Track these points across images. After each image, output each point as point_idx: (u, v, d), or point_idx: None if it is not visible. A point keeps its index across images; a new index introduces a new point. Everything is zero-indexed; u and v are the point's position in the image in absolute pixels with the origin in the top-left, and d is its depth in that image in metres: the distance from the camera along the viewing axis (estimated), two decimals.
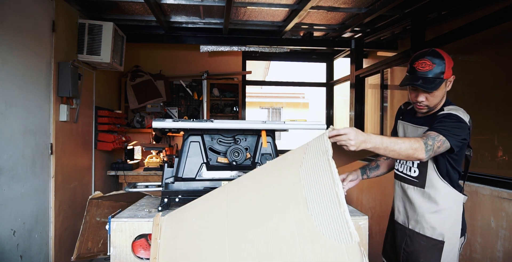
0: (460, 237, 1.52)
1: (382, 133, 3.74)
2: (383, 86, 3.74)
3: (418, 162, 1.54)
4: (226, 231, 1.11)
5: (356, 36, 3.82)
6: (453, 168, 1.51)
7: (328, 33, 3.79)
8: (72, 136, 2.86)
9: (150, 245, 1.58)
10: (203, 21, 3.43)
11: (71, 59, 2.75)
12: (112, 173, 3.79)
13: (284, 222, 1.02)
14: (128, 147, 4.17)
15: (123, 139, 3.89)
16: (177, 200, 1.65)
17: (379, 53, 4.18)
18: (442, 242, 1.48)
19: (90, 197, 1.88)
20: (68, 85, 2.59)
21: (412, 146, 1.29)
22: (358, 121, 4.06)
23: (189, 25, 3.57)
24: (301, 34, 3.83)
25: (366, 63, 4.27)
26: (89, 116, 3.26)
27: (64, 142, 2.69)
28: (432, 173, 1.51)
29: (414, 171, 1.57)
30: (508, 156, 2.40)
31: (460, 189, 1.54)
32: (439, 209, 1.49)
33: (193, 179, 1.66)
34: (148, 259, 1.52)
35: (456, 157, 1.49)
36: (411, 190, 1.57)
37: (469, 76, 2.82)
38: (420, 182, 1.54)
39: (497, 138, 2.54)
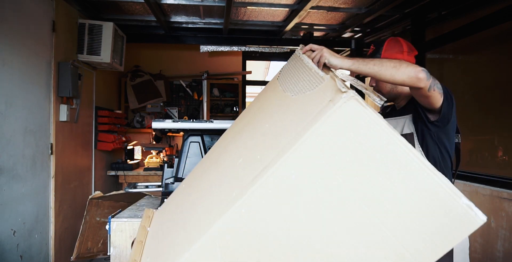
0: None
1: None
2: None
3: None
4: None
5: (356, 36, 3.82)
6: (444, 158, 1.37)
7: (328, 33, 3.79)
8: (72, 136, 2.86)
9: None
10: (203, 21, 3.43)
11: (71, 59, 2.75)
12: (112, 173, 3.79)
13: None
14: (128, 147, 4.17)
15: (123, 139, 3.89)
16: None
17: None
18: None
19: (90, 197, 1.89)
20: (68, 85, 2.59)
21: (406, 64, 1.12)
22: None
23: (189, 25, 3.57)
24: (301, 34, 3.83)
25: None
26: (89, 116, 3.26)
27: (64, 142, 2.69)
28: None
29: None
30: (508, 156, 2.40)
31: (452, 182, 1.37)
32: None
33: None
34: None
35: (448, 141, 1.35)
36: None
37: (469, 76, 2.82)
38: None
39: (497, 138, 2.54)
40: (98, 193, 1.91)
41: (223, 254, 0.70)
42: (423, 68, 1.13)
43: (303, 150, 0.66)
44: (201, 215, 0.83)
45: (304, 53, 1.16)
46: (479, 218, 0.63)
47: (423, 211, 0.63)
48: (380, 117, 0.64)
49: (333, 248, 0.67)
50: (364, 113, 0.62)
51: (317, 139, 0.65)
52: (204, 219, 0.78)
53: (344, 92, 0.63)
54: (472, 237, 2.11)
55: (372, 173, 0.63)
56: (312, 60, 1.13)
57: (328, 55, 1.11)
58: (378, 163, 0.62)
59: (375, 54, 1.42)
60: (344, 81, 0.68)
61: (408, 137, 1.34)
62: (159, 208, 1.33)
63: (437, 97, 1.20)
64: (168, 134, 4.39)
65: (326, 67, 1.15)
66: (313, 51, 1.14)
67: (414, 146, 1.31)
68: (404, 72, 1.11)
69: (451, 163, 1.39)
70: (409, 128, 1.35)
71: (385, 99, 1.11)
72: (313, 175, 0.66)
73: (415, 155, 0.61)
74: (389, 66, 1.12)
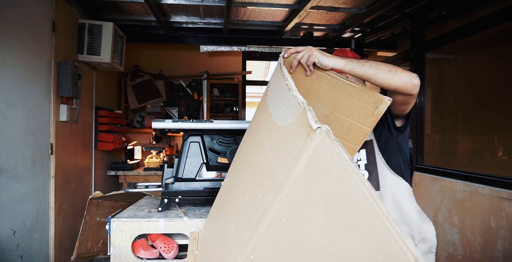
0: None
1: None
2: None
3: (365, 162, 1.32)
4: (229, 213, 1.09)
5: (356, 36, 3.82)
6: (404, 164, 1.34)
7: (328, 33, 3.79)
8: (72, 136, 2.86)
9: (150, 245, 1.58)
10: (203, 21, 3.43)
11: (71, 59, 2.76)
12: (112, 173, 3.79)
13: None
14: (128, 147, 4.17)
15: (123, 139, 3.89)
16: (177, 200, 1.65)
17: (379, 53, 4.17)
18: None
19: (90, 197, 1.89)
20: (68, 85, 2.59)
21: (401, 69, 1.09)
22: None
23: (189, 25, 3.57)
24: (301, 34, 3.83)
25: None
26: (89, 116, 3.26)
27: (64, 142, 2.69)
28: (383, 169, 1.30)
29: (363, 175, 1.40)
30: (508, 156, 2.40)
31: (411, 185, 1.36)
32: (403, 209, 1.30)
33: (193, 179, 1.66)
34: (148, 259, 1.52)
35: (406, 147, 1.33)
36: None
37: (469, 76, 2.82)
38: (373, 184, 1.31)
39: (497, 138, 2.54)
40: (98, 193, 1.90)
41: None
42: (416, 74, 1.10)
43: (289, 195, 0.64)
44: (223, 253, 0.87)
45: (288, 56, 1.11)
46: None
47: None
48: (347, 154, 0.56)
49: None
50: (334, 151, 0.56)
51: (298, 181, 0.63)
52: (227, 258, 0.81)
53: (318, 128, 0.58)
54: (472, 237, 2.11)
55: (333, 218, 0.56)
56: (300, 61, 1.09)
57: (319, 54, 1.07)
58: (339, 206, 0.55)
59: None
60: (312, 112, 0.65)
61: (368, 144, 1.31)
62: (201, 230, 1.35)
63: (413, 103, 1.20)
64: (168, 134, 4.39)
65: (316, 67, 1.11)
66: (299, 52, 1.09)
67: (374, 153, 1.30)
68: (400, 77, 1.08)
69: (410, 169, 1.37)
70: (369, 135, 1.29)
71: (391, 99, 1.08)
72: (294, 217, 0.63)
73: (377, 203, 0.49)
74: (385, 70, 1.09)
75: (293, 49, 1.11)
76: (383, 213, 0.45)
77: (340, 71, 1.14)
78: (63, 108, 2.62)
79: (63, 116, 2.62)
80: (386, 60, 3.64)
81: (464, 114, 2.83)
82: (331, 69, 1.12)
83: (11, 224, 2.03)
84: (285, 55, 1.11)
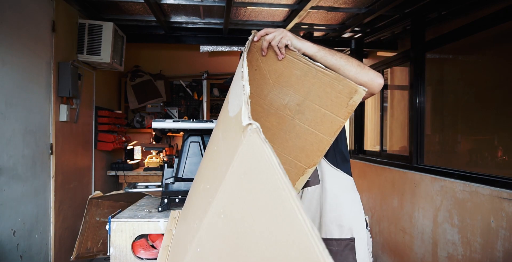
0: (366, 227, 1.34)
1: (382, 134, 3.74)
2: (383, 86, 3.74)
3: None
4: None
5: (356, 36, 3.82)
6: (347, 152, 1.34)
7: (328, 33, 3.79)
8: (72, 136, 2.86)
9: (150, 245, 1.58)
10: (203, 21, 3.43)
11: (71, 59, 2.76)
12: (112, 173, 3.79)
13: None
14: (128, 147, 4.17)
15: (123, 139, 3.89)
16: (177, 200, 1.65)
17: (379, 53, 4.17)
18: (352, 239, 1.27)
19: (90, 196, 1.88)
20: (68, 85, 2.59)
21: (368, 66, 1.08)
22: (358, 122, 4.07)
23: (189, 25, 3.57)
24: (301, 34, 3.82)
25: (366, 63, 4.27)
26: (89, 116, 3.26)
27: (64, 142, 2.69)
28: (323, 164, 1.30)
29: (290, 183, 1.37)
30: (508, 156, 2.40)
31: (350, 174, 1.35)
32: (340, 201, 1.28)
33: (193, 179, 1.66)
34: (148, 259, 1.52)
35: (343, 131, 1.34)
36: (310, 193, 1.32)
37: (469, 76, 2.82)
38: (315, 179, 1.30)
39: (497, 138, 2.54)
40: (98, 193, 1.90)
41: None
42: (380, 74, 1.10)
43: (225, 192, 0.61)
44: (180, 238, 0.84)
45: (258, 40, 1.06)
46: None
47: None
48: (275, 156, 0.51)
49: None
50: (263, 153, 0.52)
51: (232, 178, 0.59)
52: (182, 245, 0.78)
53: (249, 124, 0.54)
54: (472, 237, 2.11)
55: (256, 216, 0.52)
56: (270, 44, 1.04)
57: (292, 36, 1.04)
58: (263, 205, 0.52)
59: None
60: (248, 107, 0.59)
61: None
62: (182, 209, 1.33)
63: None
64: (168, 134, 4.39)
65: (288, 51, 1.07)
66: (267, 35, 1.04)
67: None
68: (368, 73, 1.07)
69: (347, 158, 1.38)
70: None
71: (366, 89, 1.04)
72: (230, 216, 0.59)
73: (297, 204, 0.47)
74: (355, 64, 1.07)
75: (263, 31, 1.06)
76: (307, 227, 0.42)
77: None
78: (63, 108, 2.62)
79: (63, 116, 2.62)
80: (386, 60, 3.63)
81: (464, 114, 2.82)
82: (303, 53, 1.08)
83: (11, 224, 2.03)
84: (255, 39, 1.06)
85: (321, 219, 1.29)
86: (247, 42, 1.03)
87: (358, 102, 1.06)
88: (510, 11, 2.06)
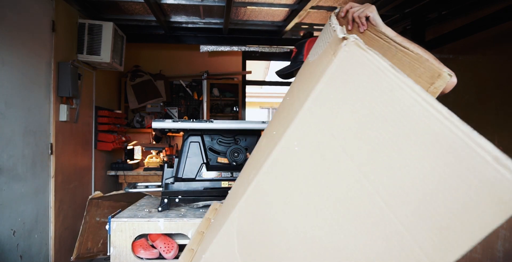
0: None
1: None
2: None
3: None
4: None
5: None
6: None
7: None
8: (72, 136, 2.86)
9: (150, 245, 1.58)
10: (203, 21, 3.43)
11: (71, 59, 2.75)
12: (112, 173, 3.79)
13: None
14: (128, 147, 4.17)
15: (123, 139, 3.89)
16: (177, 200, 1.65)
17: None
18: None
19: (90, 197, 1.88)
20: (68, 85, 2.59)
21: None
22: None
23: (189, 25, 3.57)
24: (301, 34, 3.82)
25: None
26: (89, 116, 3.26)
27: (64, 142, 2.69)
28: None
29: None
30: (508, 156, 2.40)
31: None
32: None
33: (193, 179, 1.66)
34: (148, 259, 1.52)
35: None
36: None
37: (469, 76, 2.82)
38: None
39: (497, 137, 2.54)
40: (98, 193, 1.90)
41: (239, 242, 0.64)
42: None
43: (303, 119, 0.55)
44: (229, 201, 0.78)
45: (344, 15, 1.02)
46: None
47: (439, 172, 0.42)
48: (386, 61, 0.46)
49: (331, 239, 0.52)
50: (367, 61, 0.46)
51: (316, 103, 0.53)
52: (229, 205, 0.72)
53: (344, 39, 0.48)
54: None
55: (373, 133, 0.46)
56: (353, 16, 1.00)
57: (376, 11, 1.00)
58: (382, 118, 0.45)
59: (298, 56, 1.35)
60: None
61: None
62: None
63: None
64: (168, 134, 4.39)
65: (370, 25, 1.02)
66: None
67: None
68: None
69: None
70: None
71: (452, 73, 0.90)
72: (314, 144, 0.53)
73: (428, 101, 0.40)
74: (432, 57, 0.94)
75: (348, 5, 1.03)
76: (444, 117, 0.37)
77: None
78: (63, 108, 2.62)
79: (63, 116, 2.62)
80: None
81: (464, 114, 2.82)
82: (381, 31, 1.00)
83: (11, 224, 2.03)
84: (342, 14, 1.03)
85: None
86: (331, 17, 0.91)
87: (441, 90, 0.89)
88: (510, 11, 2.06)
